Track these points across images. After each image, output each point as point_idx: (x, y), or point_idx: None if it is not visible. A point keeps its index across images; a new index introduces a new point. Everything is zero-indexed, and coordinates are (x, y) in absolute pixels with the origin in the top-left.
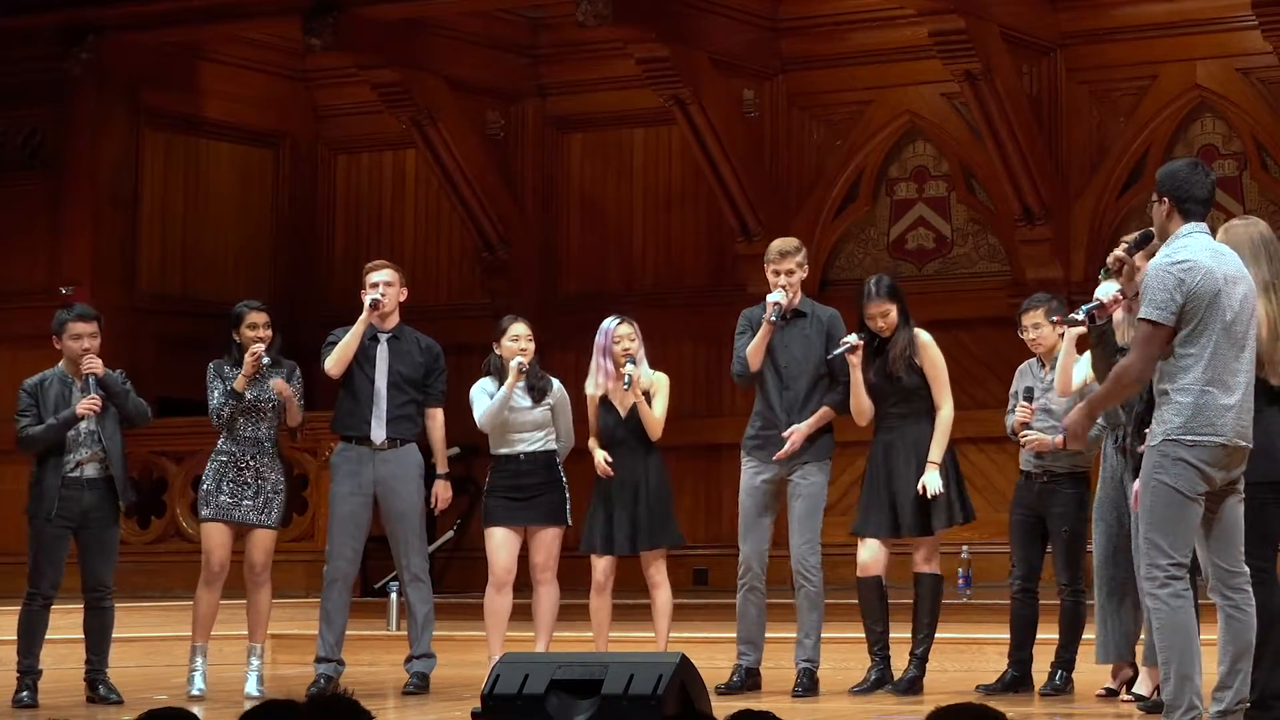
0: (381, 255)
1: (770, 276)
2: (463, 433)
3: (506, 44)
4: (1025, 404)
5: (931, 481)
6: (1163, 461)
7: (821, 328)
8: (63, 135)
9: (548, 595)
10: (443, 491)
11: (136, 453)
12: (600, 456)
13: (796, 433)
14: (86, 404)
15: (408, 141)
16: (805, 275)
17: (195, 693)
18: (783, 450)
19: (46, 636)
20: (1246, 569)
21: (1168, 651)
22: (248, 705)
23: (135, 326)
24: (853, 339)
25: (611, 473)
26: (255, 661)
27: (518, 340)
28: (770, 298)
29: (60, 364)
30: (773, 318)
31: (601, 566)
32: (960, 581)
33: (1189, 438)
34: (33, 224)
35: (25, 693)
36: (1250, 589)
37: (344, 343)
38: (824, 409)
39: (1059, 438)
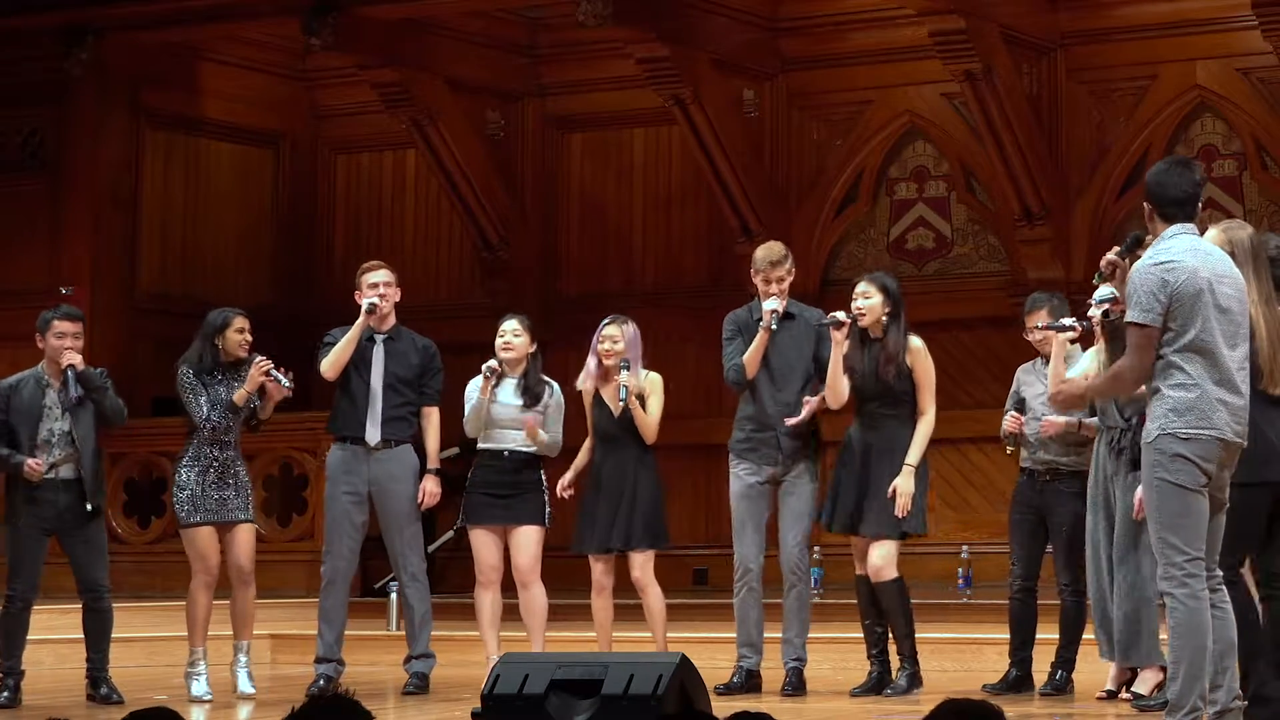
0: (381, 255)
1: (761, 285)
2: (462, 432)
3: (506, 44)
4: (1015, 414)
5: (904, 484)
6: (1160, 459)
7: (810, 329)
8: (63, 135)
9: (535, 598)
10: (431, 486)
11: (136, 453)
12: (568, 478)
13: (809, 405)
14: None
15: (408, 141)
16: (792, 278)
17: (205, 696)
18: (799, 416)
19: (48, 637)
20: (1220, 570)
21: (1180, 651)
22: (240, 705)
23: (134, 326)
24: (840, 315)
25: (570, 493)
26: (244, 659)
27: (503, 335)
28: (767, 306)
29: (40, 364)
30: (773, 325)
31: (599, 567)
32: (960, 581)
33: (1185, 431)
34: (33, 224)
35: (6, 693)
36: (1225, 587)
37: (340, 346)
38: (822, 395)
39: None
